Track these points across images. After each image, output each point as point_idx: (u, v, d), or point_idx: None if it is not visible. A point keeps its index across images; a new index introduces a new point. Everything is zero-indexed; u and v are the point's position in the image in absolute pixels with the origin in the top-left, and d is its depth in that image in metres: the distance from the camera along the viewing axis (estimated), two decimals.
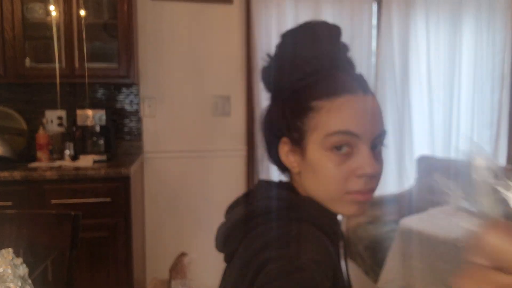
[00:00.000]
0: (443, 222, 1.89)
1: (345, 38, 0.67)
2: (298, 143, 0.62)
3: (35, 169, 1.97)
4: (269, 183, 0.70)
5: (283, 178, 0.71)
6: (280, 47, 0.67)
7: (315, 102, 0.60)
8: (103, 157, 2.21)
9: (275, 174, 2.67)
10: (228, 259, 0.66)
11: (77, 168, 1.99)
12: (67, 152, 2.19)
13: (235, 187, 2.65)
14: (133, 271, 2.05)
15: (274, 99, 0.68)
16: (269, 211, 0.61)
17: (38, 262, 1.45)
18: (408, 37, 2.79)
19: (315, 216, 0.61)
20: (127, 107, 2.52)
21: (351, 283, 0.73)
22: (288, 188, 0.68)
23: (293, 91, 0.63)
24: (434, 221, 1.93)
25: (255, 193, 0.68)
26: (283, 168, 0.70)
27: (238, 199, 0.71)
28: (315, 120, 0.60)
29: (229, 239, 0.64)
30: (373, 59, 2.81)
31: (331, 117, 0.59)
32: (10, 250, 0.90)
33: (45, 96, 2.41)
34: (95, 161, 2.15)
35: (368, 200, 0.61)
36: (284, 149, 0.65)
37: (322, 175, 0.60)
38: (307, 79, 0.62)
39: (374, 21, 2.77)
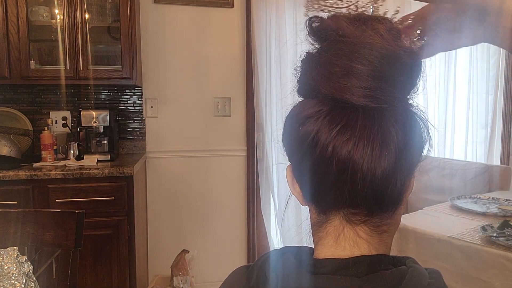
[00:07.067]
0: (438, 220, 1.93)
1: None
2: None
3: (40, 168, 1.97)
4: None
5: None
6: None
7: None
8: (107, 157, 2.22)
9: (275, 174, 2.71)
10: None
11: (81, 168, 1.99)
12: (71, 152, 2.21)
13: (235, 186, 2.69)
14: (135, 268, 2.07)
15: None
16: None
17: (43, 260, 1.44)
18: None
19: None
20: (130, 108, 2.54)
21: None
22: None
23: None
24: (430, 219, 1.96)
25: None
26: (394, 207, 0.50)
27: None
28: None
29: None
30: None
31: None
32: (15, 248, 0.93)
33: (49, 97, 2.43)
34: (99, 161, 2.16)
35: None
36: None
37: None
38: None
39: None
